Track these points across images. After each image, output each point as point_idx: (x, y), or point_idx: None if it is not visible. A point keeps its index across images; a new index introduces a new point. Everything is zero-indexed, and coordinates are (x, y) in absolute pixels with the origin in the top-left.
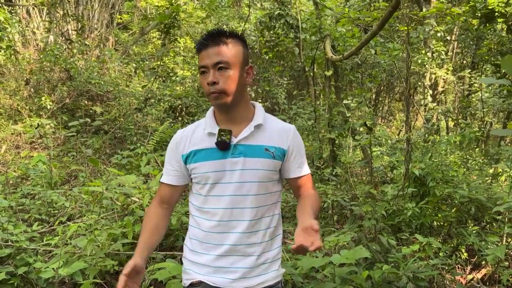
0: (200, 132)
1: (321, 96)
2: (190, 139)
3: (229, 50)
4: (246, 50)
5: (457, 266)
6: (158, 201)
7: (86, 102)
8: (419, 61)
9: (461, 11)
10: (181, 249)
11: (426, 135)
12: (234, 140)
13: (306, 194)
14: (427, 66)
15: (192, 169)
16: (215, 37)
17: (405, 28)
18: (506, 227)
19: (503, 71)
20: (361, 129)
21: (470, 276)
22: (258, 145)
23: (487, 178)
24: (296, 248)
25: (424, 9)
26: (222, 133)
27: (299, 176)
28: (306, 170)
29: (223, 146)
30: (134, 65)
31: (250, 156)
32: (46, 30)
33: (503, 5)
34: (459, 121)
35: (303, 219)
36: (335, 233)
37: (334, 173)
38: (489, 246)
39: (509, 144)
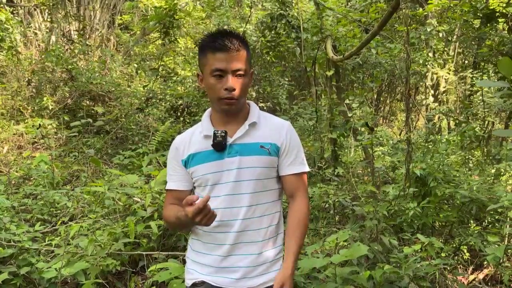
0: (197, 135)
1: (323, 96)
2: (188, 143)
3: (246, 58)
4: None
5: (459, 266)
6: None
7: (87, 102)
8: (421, 61)
9: (460, 10)
10: (183, 250)
11: (428, 135)
12: (230, 140)
13: (294, 212)
14: (428, 66)
15: (192, 173)
16: (236, 40)
17: (405, 28)
18: (507, 227)
19: None
20: (363, 129)
21: (472, 277)
22: (253, 142)
23: (488, 178)
24: None
25: (421, 10)
26: (217, 134)
27: (288, 174)
28: (298, 168)
29: (219, 147)
30: (136, 65)
31: (246, 155)
32: (47, 30)
33: (504, 5)
34: (460, 120)
35: (284, 266)
36: (337, 233)
37: (335, 173)
38: (490, 246)
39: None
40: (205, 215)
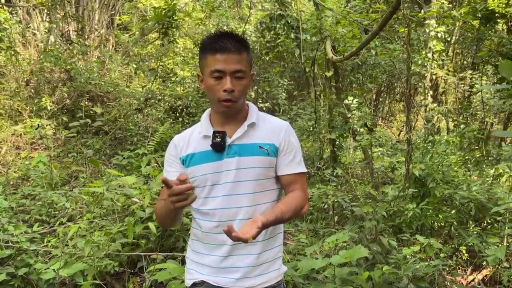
0: (196, 135)
1: (322, 97)
2: (187, 143)
3: (246, 59)
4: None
5: (458, 267)
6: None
7: (86, 102)
8: (420, 61)
9: (459, 13)
10: (182, 250)
11: (427, 135)
12: (229, 141)
13: (291, 194)
14: (427, 66)
15: (191, 173)
16: (236, 42)
17: (405, 29)
18: (506, 228)
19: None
20: (362, 129)
21: (471, 277)
22: (252, 143)
23: (487, 179)
24: (234, 236)
25: (423, 10)
26: (217, 134)
27: (286, 174)
28: (296, 168)
29: (218, 147)
30: (134, 65)
31: (244, 155)
32: (46, 30)
33: (503, 6)
34: (459, 121)
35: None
36: (336, 234)
37: (334, 174)
38: (489, 247)
39: (509, 145)
40: (178, 195)
